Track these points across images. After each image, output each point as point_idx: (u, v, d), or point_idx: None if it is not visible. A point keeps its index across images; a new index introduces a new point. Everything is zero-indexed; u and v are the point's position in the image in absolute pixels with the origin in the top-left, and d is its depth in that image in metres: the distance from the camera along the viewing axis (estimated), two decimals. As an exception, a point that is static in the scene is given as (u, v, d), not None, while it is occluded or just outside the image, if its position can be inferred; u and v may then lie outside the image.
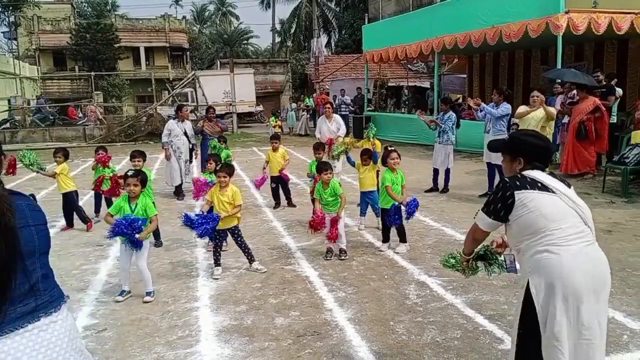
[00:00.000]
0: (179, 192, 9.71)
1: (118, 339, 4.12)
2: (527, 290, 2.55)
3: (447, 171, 9.39)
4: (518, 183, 2.59)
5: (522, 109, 8.67)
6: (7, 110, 25.43)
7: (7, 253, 1.67)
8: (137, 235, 4.69)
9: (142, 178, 5.02)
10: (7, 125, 23.41)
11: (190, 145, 9.94)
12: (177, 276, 5.55)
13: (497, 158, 8.63)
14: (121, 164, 12.80)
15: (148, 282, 4.93)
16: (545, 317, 2.49)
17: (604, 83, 10.78)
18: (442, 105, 9.72)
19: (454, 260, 3.19)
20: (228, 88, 24.94)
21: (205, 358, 3.78)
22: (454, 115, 9.58)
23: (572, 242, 2.50)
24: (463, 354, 3.70)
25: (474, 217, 2.83)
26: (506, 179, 2.68)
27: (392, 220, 6.06)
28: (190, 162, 10.06)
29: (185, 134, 9.71)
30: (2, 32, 43.42)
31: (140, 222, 4.74)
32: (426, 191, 9.44)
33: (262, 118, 29.95)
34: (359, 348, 3.86)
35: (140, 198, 4.96)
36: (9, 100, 27.50)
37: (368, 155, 7.00)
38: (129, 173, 5.02)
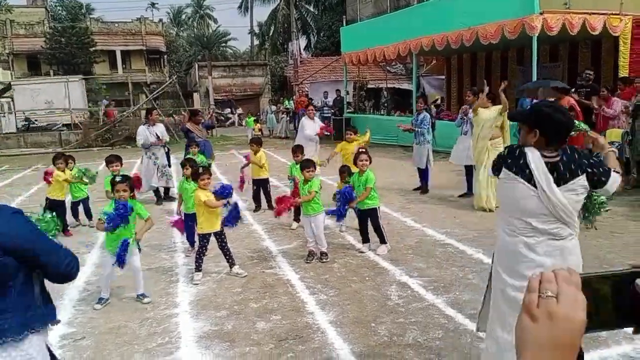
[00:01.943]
0: (158, 197, 9.61)
1: (96, 347, 4.04)
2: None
3: (425, 171, 9.43)
4: (509, 160, 2.65)
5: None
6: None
7: None
8: (137, 237, 4.81)
9: (130, 183, 4.97)
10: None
11: (166, 149, 9.84)
12: (156, 282, 5.47)
13: (464, 159, 8.73)
14: (98, 168, 12.59)
15: (141, 283, 4.91)
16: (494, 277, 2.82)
17: (590, 82, 10.88)
18: (418, 104, 9.77)
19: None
20: (50, 98, 24.03)
21: (186, 365, 3.72)
22: (428, 115, 9.66)
23: (530, 235, 2.61)
24: (445, 354, 3.71)
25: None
26: (507, 149, 2.77)
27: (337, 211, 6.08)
28: (169, 165, 9.94)
29: (158, 137, 9.61)
30: (-26, 37, 42.51)
31: (126, 206, 4.69)
32: (414, 189, 9.51)
33: (242, 121, 29.80)
34: (340, 350, 3.85)
35: (133, 205, 4.87)
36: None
37: (347, 173, 6.88)
38: (117, 179, 4.95)
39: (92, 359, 3.87)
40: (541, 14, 11.06)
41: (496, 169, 2.77)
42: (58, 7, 50.36)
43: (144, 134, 9.50)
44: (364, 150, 6.44)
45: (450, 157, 9.28)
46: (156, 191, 9.63)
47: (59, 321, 2.03)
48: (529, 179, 2.56)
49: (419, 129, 9.37)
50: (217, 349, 3.94)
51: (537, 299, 0.83)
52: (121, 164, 7.16)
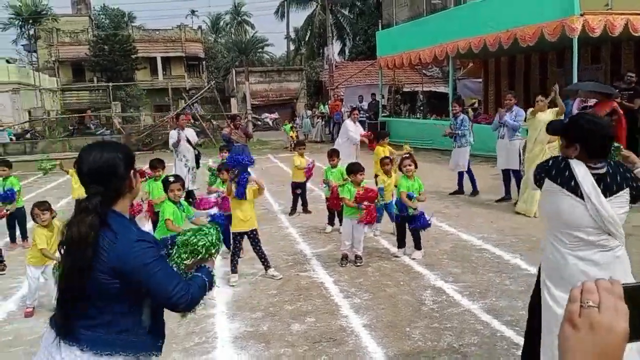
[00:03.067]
0: (192, 198, 9.81)
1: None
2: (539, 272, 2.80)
3: (468, 173, 9.38)
4: (554, 172, 2.58)
5: (528, 113, 8.48)
6: (27, 122, 25.92)
7: (80, 271, 1.83)
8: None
9: (183, 182, 5.29)
10: (28, 136, 23.86)
11: (196, 152, 10.03)
12: (194, 283, 5.59)
13: (511, 163, 8.56)
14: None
15: None
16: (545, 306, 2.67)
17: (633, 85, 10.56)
18: (454, 107, 9.69)
19: None
20: None
21: (222, 364, 3.80)
22: (467, 117, 9.58)
23: (582, 248, 2.53)
24: (480, 360, 3.67)
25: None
26: (551, 161, 2.70)
27: (417, 225, 6.01)
28: (197, 167, 10.09)
29: (188, 141, 9.82)
30: (22, 45, 44.32)
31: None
32: (450, 193, 9.47)
33: (278, 125, 30.07)
34: (374, 354, 3.86)
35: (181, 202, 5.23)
36: (29, 112, 28.05)
37: (389, 160, 6.93)
38: (171, 179, 5.21)
39: (132, 357, 4.00)
40: (582, 15, 10.79)
41: (537, 180, 2.72)
42: (101, 16, 52.09)
43: (174, 136, 9.78)
44: (407, 155, 6.39)
45: (498, 165, 9.08)
46: (189, 193, 9.81)
47: (158, 354, 2.05)
48: (575, 190, 2.51)
49: (460, 132, 9.32)
50: (252, 350, 4.01)
51: (579, 308, 0.84)
52: (163, 169, 7.32)
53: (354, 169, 6.11)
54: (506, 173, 8.68)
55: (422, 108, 21.06)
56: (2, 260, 6.32)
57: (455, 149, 9.53)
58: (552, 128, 2.91)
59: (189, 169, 9.80)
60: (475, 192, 9.38)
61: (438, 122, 17.34)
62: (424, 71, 25.46)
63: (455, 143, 9.47)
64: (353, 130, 9.58)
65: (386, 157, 7.10)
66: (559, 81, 14.90)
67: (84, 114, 26.08)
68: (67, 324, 1.87)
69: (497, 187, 9.16)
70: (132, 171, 2.01)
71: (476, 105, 19.61)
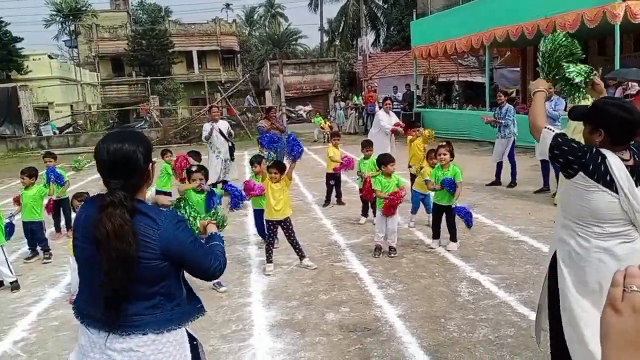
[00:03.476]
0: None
1: (176, 332, 4.28)
2: (554, 257, 2.70)
3: (511, 164, 9.25)
4: (591, 167, 2.41)
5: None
6: (70, 115, 26.75)
7: (125, 262, 1.83)
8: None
9: (206, 172, 5.36)
10: (70, 129, 24.64)
11: (230, 144, 10.10)
12: (232, 272, 5.71)
13: (540, 154, 8.37)
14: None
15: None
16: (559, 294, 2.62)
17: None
18: (499, 97, 9.50)
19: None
20: None
21: (258, 352, 3.89)
22: (512, 107, 9.40)
23: (606, 238, 2.49)
24: (517, 352, 3.64)
25: (544, 130, 2.63)
26: (588, 154, 2.44)
27: (461, 213, 5.99)
28: (232, 159, 10.16)
29: (222, 133, 9.92)
30: (64, 41, 45.73)
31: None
32: (488, 185, 9.34)
33: (312, 118, 30.14)
34: (409, 344, 3.87)
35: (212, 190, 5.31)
36: (71, 106, 28.93)
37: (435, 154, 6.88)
38: (193, 168, 5.26)
39: (172, 342, 4.12)
40: (624, 0, 10.41)
41: (568, 170, 2.50)
42: (139, 11, 53.11)
43: (207, 129, 9.92)
44: (443, 144, 6.29)
45: (537, 155, 8.90)
46: (214, 185, 9.91)
47: (204, 312, 2.15)
48: (610, 185, 2.43)
49: (504, 121, 9.16)
50: (288, 338, 4.08)
51: (622, 293, 0.85)
52: (200, 160, 7.46)
53: (384, 160, 6.11)
54: (545, 164, 8.49)
55: (457, 98, 20.74)
56: (48, 249, 6.58)
57: (498, 139, 9.37)
58: (575, 113, 2.75)
59: (221, 161, 9.93)
60: (513, 183, 9.22)
61: (474, 112, 17.06)
62: (459, 61, 25.04)
63: (499, 133, 9.32)
64: (385, 120, 9.53)
65: (431, 150, 7.03)
66: (600, 69, 14.49)
67: (123, 108, 26.73)
68: (117, 316, 1.88)
69: (536, 179, 8.98)
70: (150, 164, 2.01)
71: (514, 95, 19.20)
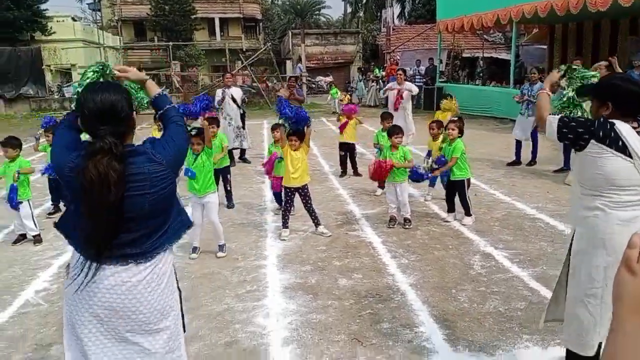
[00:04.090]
0: (231, 158, 9.88)
1: (191, 290, 4.40)
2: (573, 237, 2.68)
3: (533, 143, 9.10)
4: (601, 134, 2.44)
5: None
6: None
7: (109, 210, 1.92)
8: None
9: (203, 136, 5.21)
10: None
11: (241, 111, 10.04)
12: (247, 236, 5.81)
13: None
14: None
15: (221, 235, 5.24)
16: (573, 271, 2.60)
17: None
18: (533, 74, 9.27)
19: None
20: None
21: (272, 311, 3.98)
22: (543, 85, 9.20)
23: (625, 208, 2.46)
24: (526, 325, 3.67)
25: (550, 116, 2.69)
26: (596, 122, 2.50)
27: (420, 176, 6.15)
28: (243, 128, 10.11)
29: (234, 100, 9.87)
30: (87, 4, 45.64)
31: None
32: (508, 164, 9.21)
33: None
34: (419, 312, 3.92)
35: (202, 153, 5.21)
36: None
37: (437, 125, 6.92)
38: (193, 132, 5.14)
39: (187, 300, 4.23)
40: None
41: (580, 142, 2.52)
42: (162, -24, 52.61)
43: (219, 95, 9.89)
44: (455, 119, 6.33)
45: None
46: (229, 152, 9.92)
47: (192, 224, 2.34)
48: (623, 150, 2.43)
49: (536, 100, 8.95)
50: (300, 300, 4.16)
51: (638, 255, 0.86)
52: (218, 126, 7.48)
53: (389, 131, 6.19)
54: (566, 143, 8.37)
55: (481, 74, 20.40)
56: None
57: (523, 117, 9.14)
58: (585, 90, 2.83)
59: (234, 128, 9.93)
60: (533, 161, 9.12)
61: (498, 89, 16.79)
62: (485, 36, 24.51)
63: (526, 111, 9.09)
64: (388, 87, 9.46)
65: (434, 122, 7.06)
66: (631, 49, 14.09)
67: (145, 73, 26.78)
68: (108, 249, 1.99)
69: (556, 158, 8.87)
70: (134, 111, 2.12)
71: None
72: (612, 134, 2.44)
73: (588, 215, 2.56)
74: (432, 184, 7.14)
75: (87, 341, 2.06)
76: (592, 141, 2.46)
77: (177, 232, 2.19)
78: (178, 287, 2.35)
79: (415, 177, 6.07)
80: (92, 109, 1.97)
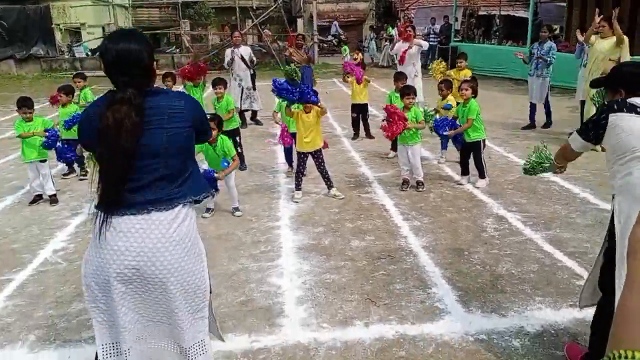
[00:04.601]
0: (242, 119, 9.77)
1: (207, 249, 4.42)
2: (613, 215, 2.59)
3: (545, 104, 8.93)
4: (615, 106, 2.53)
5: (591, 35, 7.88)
6: (101, 37, 26.66)
7: (123, 154, 2.00)
8: (216, 175, 4.78)
9: (218, 121, 5.14)
10: (103, 52, 24.66)
11: (251, 71, 9.86)
12: (260, 197, 5.84)
13: (580, 94, 8.09)
14: (207, 92, 13.19)
15: (235, 199, 5.29)
16: (621, 237, 2.48)
17: None
18: (543, 32, 8.99)
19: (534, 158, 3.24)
20: None
21: (286, 271, 4.04)
22: (554, 45, 8.95)
23: None
24: (539, 287, 3.69)
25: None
26: (605, 102, 2.65)
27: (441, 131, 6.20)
28: (254, 89, 9.93)
29: (243, 59, 9.70)
30: (96, -40, 44.75)
31: (213, 173, 4.83)
32: (523, 128, 9.02)
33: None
34: (432, 273, 3.96)
35: (219, 140, 5.08)
36: (103, 28, 28.77)
37: (445, 85, 6.82)
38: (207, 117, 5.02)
39: (203, 259, 4.30)
40: None
41: (603, 122, 2.51)
42: None
43: (228, 55, 9.74)
44: (468, 79, 6.23)
45: (577, 95, 8.57)
46: (240, 114, 9.83)
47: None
48: None
49: (548, 59, 8.70)
50: (314, 260, 4.21)
51: None
52: (225, 87, 7.41)
53: (401, 91, 6.15)
54: (584, 105, 8.20)
55: (497, 33, 19.91)
56: (84, 166, 6.78)
57: (533, 77, 8.93)
58: (596, 82, 3.00)
59: (242, 89, 9.77)
60: (549, 122, 8.97)
61: (514, 48, 16.40)
62: (502, -7, 23.77)
63: (536, 71, 8.83)
64: (397, 47, 9.26)
65: (442, 82, 6.98)
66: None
67: (155, 32, 26.51)
68: (129, 190, 2.06)
69: (573, 121, 8.73)
70: (154, 61, 2.17)
71: (557, 32, 18.33)
72: (628, 104, 2.50)
73: (624, 180, 2.53)
74: (444, 147, 7.08)
75: (115, 297, 2.11)
76: (610, 115, 2.51)
77: (200, 189, 2.24)
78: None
79: (441, 130, 6.11)
80: (113, 59, 2.04)
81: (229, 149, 5.12)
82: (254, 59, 10.10)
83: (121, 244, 2.05)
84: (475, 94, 6.01)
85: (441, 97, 6.92)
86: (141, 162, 2.05)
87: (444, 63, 8.78)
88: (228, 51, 9.90)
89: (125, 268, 2.06)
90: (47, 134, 5.76)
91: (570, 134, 8.28)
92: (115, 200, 2.05)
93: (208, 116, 4.96)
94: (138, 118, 2.01)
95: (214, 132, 4.98)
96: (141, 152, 2.03)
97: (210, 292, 2.44)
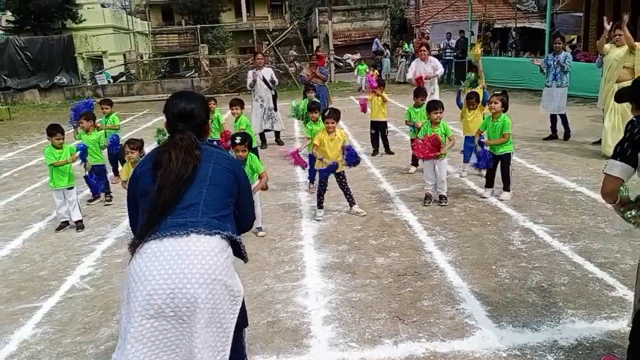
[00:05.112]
0: (262, 140, 9.89)
1: (231, 270, 4.46)
2: None
3: (564, 116, 8.81)
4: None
5: (604, 44, 7.79)
6: (123, 64, 27.30)
7: (175, 177, 2.13)
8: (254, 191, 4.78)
9: (249, 142, 5.07)
10: (124, 78, 25.20)
11: (273, 92, 9.97)
12: (282, 217, 5.85)
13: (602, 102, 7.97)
14: (226, 114, 13.34)
15: (259, 218, 5.28)
16: None
17: None
18: (558, 42, 8.92)
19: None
20: None
21: (311, 291, 4.01)
22: (570, 54, 8.87)
23: None
24: (571, 299, 3.61)
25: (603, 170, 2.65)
26: (634, 118, 2.53)
27: (480, 165, 6.07)
28: (275, 109, 10.02)
29: (265, 81, 9.82)
30: (116, -10, 46.03)
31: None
32: (545, 139, 8.92)
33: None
34: (459, 289, 3.89)
35: (248, 158, 5.05)
36: (124, 55, 29.47)
37: (475, 99, 6.78)
38: (237, 140, 4.97)
39: (228, 280, 4.31)
40: None
41: (635, 145, 2.43)
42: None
43: (250, 76, 9.88)
44: (499, 92, 6.15)
45: (599, 103, 8.47)
46: (261, 135, 9.92)
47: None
48: None
49: (565, 66, 8.59)
50: (339, 279, 4.18)
51: None
52: (242, 108, 7.48)
53: (429, 106, 6.08)
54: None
55: (514, 45, 19.84)
56: (109, 192, 6.89)
57: (550, 88, 8.84)
58: (620, 96, 2.87)
59: (265, 109, 9.92)
60: (568, 135, 8.83)
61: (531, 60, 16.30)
62: (517, 5, 23.78)
63: (554, 82, 8.76)
64: (413, 68, 9.24)
65: (472, 93, 6.90)
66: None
67: (174, 57, 27.03)
68: (169, 211, 2.13)
69: (595, 129, 8.61)
70: (208, 118, 2.43)
71: (574, 42, 18.18)
72: None
73: None
74: (466, 160, 7.02)
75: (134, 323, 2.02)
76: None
77: (239, 227, 2.39)
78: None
79: (482, 164, 6.01)
80: (175, 112, 2.31)
81: (258, 166, 5.11)
82: (276, 80, 10.23)
83: (153, 269, 2.03)
84: (505, 107, 5.94)
85: (469, 107, 6.87)
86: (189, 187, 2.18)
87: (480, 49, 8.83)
88: (250, 73, 10.04)
89: (155, 293, 2.00)
90: (77, 154, 5.95)
91: (594, 142, 8.14)
92: (158, 217, 2.12)
93: (238, 139, 4.98)
94: (199, 152, 2.22)
95: (245, 154, 4.97)
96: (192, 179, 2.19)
97: (246, 326, 2.52)
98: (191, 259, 2.03)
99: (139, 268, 2.05)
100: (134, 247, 2.12)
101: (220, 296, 2.09)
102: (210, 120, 2.50)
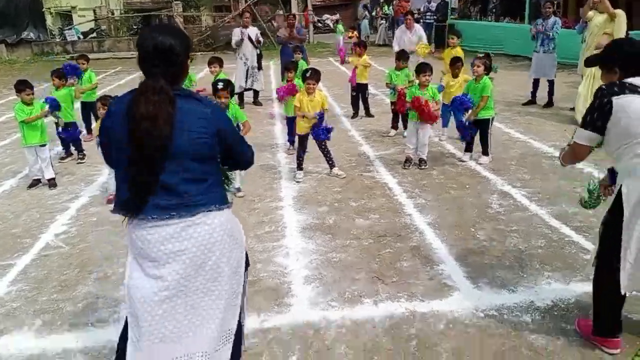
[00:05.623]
0: (240, 100, 9.67)
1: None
2: (619, 194, 2.54)
3: (551, 82, 8.82)
4: (616, 89, 2.47)
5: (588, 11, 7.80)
6: (93, 20, 26.27)
7: (158, 148, 1.91)
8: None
9: (231, 89, 4.99)
10: (94, 34, 24.30)
11: (258, 51, 9.88)
12: (262, 177, 5.78)
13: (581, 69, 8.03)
14: (202, 72, 13.03)
15: (238, 178, 5.20)
16: (630, 220, 2.47)
17: None
18: (546, 8, 8.84)
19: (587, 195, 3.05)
20: None
21: (291, 251, 4.00)
22: (559, 20, 8.83)
23: None
24: (547, 262, 3.68)
25: (571, 138, 2.70)
26: (603, 86, 2.55)
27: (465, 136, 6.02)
28: (259, 68, 9.93)
29: (251, 40, 9.68)
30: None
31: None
32: (524, 104, 8.96)
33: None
34: (438, 250, 3.93)
35: (230, 106, 4.96)
36: (94, 11, 28.34)
37: (461, 63, 6.68)
38: (220, 85, 4.87)
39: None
40: None
41: (608, 109, 2.45)
42: None
43: (237, 34, 9.68)
44: (482, 55, 6.11)
45: (579, 70, 8.51)
46: (240, 95, 9.71)
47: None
48: None
49: (551, 34, 8.56)
50: (319, 240, 4.17)
51: None
52: (221, 66, 7.29)
53: (418, 69, 5.98)
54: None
55: (494, 10, 19.68)
56: (82, 150, 6.70)
57: (539, 54, 8.80)
58: (590, 61, 2.90)
59: (248, 68, 9.78)
60: (550, 103, 8.84)
61: (511, 25, 16.26)
62: (498, -31, 23.48)
63: (541, 47, 8.72)
64: (398, 38, 9.10)
65: (457, 58, 6.80)
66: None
67: (146, 14, 26.12)
68: (152, 192, 1.97)
69: (572, 96, 8.64)
70: (188, 58, 2.11)
71: (555, 8, 18.11)
72: (627, 84, 2.46)
73: (633, 161, 2.45)
74: (445, 124, 7.01)
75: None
76: (613, 99, 2.45)
77: (219, 198, 2.14)
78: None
79: (465, 134, 5.95)
80: (149, 50, 1.97)
81: (239, 115, 4.99)
82: (261, 39, 10.08)
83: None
84: (487, 70, 5.91)
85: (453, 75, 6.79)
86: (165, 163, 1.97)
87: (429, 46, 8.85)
88: (237, 31, 9.83)
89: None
90: (47, 108, 5.81)
91: (572, 109, 8.18)
92: (139, 200, 1.96)
93: (219, 85, 4.85)
94: (172, 109, 1.92)
95: (227, 100, 4.86)
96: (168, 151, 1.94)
97: (248, 265, 2.50)
98: (185, 244, 2.04)
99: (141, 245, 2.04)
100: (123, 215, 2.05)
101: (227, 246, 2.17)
102: (189, 60, 2.15)
